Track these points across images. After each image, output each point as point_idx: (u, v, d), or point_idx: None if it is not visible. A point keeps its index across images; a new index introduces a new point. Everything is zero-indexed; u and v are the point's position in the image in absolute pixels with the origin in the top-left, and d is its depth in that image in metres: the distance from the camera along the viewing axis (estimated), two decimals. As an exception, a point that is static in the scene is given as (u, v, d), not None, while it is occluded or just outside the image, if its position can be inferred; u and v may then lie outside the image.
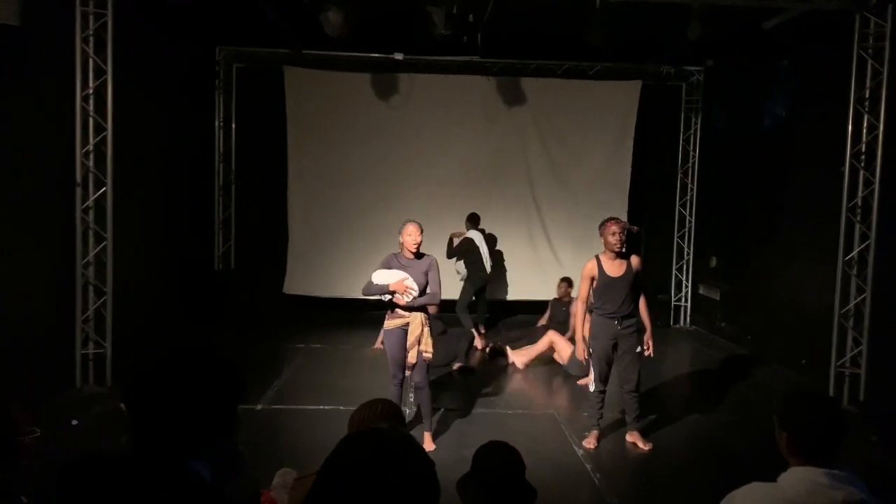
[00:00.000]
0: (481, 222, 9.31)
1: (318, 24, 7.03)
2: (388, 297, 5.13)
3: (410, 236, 5.14)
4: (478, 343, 8.72)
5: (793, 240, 8.12)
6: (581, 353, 5.50)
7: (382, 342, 7.74)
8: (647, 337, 5.41)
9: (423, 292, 5.15)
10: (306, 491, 1.27)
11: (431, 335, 5.26)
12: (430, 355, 5.24)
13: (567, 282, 8.91)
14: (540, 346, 7.85)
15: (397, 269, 5.17)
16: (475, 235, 9.10)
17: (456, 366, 7.71)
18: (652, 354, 5.46)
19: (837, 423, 2.03)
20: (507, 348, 8.19)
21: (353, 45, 8.91)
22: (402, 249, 5.23)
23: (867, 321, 6.60)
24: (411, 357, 5.16)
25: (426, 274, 5.18)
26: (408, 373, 5.26)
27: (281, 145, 10.06)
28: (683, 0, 6.59)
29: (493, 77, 10.06)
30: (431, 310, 5.76)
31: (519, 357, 7.91)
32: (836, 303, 6.77)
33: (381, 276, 5.14)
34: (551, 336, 7.84)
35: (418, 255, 5.21)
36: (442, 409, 6.15)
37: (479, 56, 9.53)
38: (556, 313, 8.85)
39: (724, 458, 5.47)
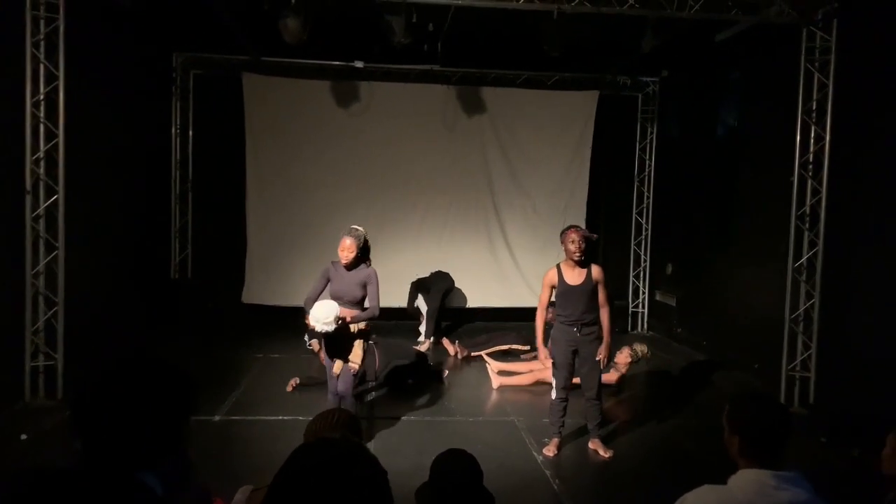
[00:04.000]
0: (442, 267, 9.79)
1: (277, 30, 6.99)
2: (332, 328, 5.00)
3: (343, 251, 5.12)
4: (450, 350, 8.73)
5: (745, 247, 8.33)
6: (542, 357, 5.56)
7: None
8: (603, 347, 5.44)
9: (359, 304, 5.16)
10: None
11: (363, 347, 5.26)
12: (356, 366, 5.24)
13: None
14: (524, 379, 7.47)
15: (335, 277, 5.17)
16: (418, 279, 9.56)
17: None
18: (603, 362, 5.47)
19: (785, 425, 2.10)
20: (490, 363, 7.80)
21: (312, 53, 8.88)
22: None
23: (816, 326, 6.79)
24: (336, 367, 5.19)
25: (363, 286, 5.17)
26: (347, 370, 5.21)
27: (239, 153, 9.95)
28: (638, 12, 6.72)
29: (453, 86, 10.12)
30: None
31: (499, 379, 7.45)
32: (787, 308, 6.96)
33: (316, 317, 4.95)
34: (536, 375, 7.35)
35: (354, 266, 5.19)
36: (400, 419, 6.13)
37: (438, 65, 9.60)
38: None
39: (680, 462, 5.57)
